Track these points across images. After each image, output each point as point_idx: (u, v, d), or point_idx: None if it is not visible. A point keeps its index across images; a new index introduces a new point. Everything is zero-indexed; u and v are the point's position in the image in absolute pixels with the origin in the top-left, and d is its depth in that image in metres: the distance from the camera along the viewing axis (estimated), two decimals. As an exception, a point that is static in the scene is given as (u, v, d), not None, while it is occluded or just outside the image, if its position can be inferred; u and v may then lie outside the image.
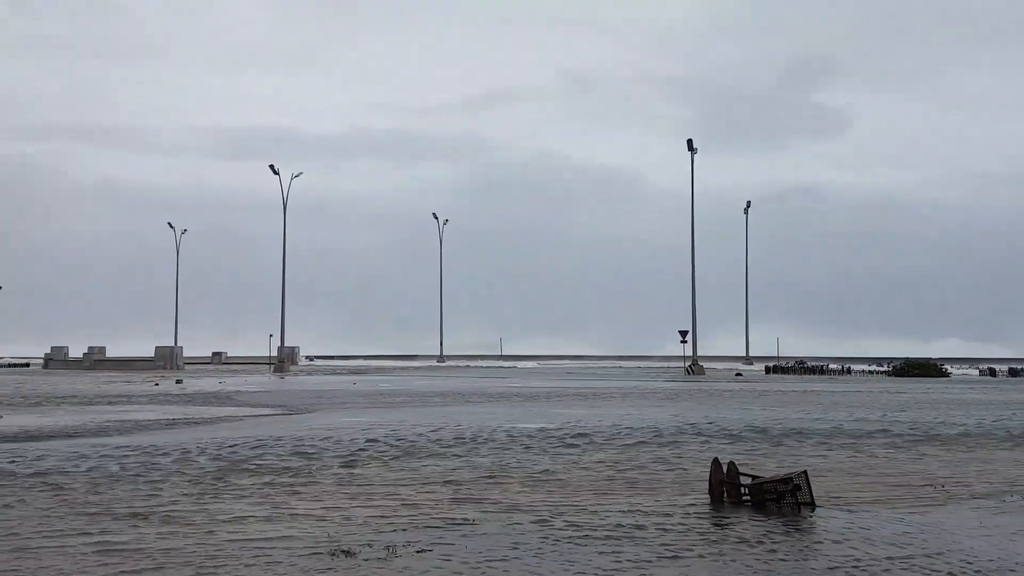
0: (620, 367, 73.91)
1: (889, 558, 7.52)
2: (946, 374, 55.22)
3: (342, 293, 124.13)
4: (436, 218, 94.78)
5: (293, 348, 79.33)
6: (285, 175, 73.06)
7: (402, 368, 71.20)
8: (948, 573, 7.09)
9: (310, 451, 14.27)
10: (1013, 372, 57.20)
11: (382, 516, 9.14)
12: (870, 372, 59.01)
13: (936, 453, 14.72)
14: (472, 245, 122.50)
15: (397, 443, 15.33)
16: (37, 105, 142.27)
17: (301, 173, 74.38)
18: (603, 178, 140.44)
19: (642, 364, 79.06)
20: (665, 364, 75.22)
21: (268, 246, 76.47)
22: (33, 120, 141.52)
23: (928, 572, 7.12)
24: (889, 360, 62.71)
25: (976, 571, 7.17)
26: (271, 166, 72.85)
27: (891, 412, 23.57)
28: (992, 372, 58.03)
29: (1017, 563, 7.47)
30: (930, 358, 61.50)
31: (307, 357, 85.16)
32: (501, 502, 9.91)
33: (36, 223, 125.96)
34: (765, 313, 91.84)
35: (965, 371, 58.95)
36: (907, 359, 60.39)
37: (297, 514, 9.25)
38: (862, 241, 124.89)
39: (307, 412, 23.57)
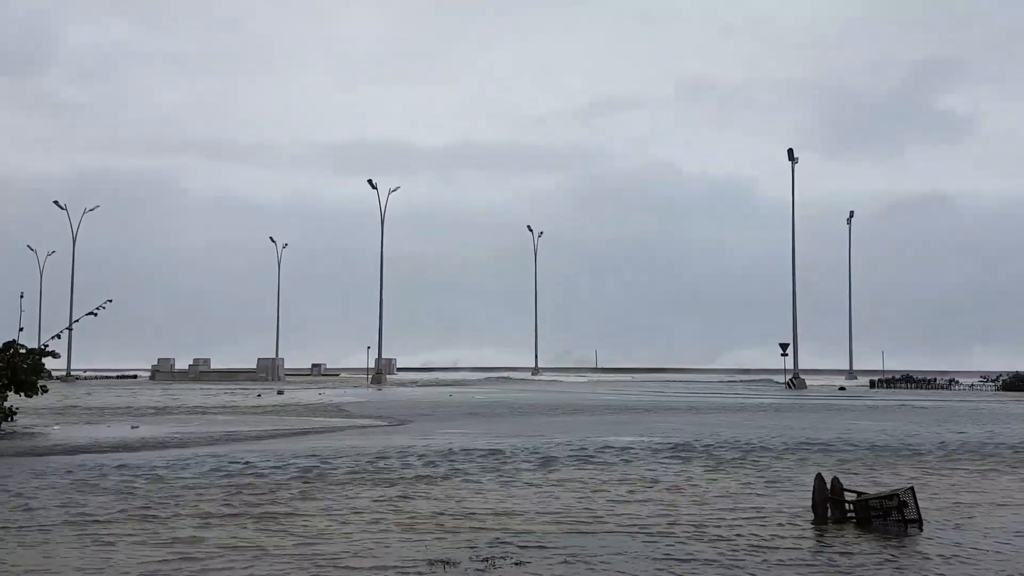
0: (720, 380, 72.63)
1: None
2: None
3: (441, 305, 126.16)
4: (531, 230, 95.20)
5: (390, 360, 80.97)
6: (383, 189, 74.72)
7: (497, 380, 71.69)
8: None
9: (412, 462, 14.57)
10: None
11: (481, 527, 9.28)
12: (972, 387, 56.59)
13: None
14: (576, 256, 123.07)
15: (493, 454, 15.50)
16: (164, 120, 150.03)
17: (398, 188, 76.02)
18: (713, 188, 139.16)
19: (742, 377, 77.48)
20: (766, 377, 73.48)
21: (369, 258, 78.26)
22: (160, 135, 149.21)
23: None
24: (999, 374, 59.99)
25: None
26: (369, 180, 74.72)
27: (996, 427, 22.55)
28: None
29: None
30: None
31: (398, 368, 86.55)
32: (591, 516, 9.93)
33: (153, 237, 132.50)
34: (872, 325, 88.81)
35: None
36: (1016, 373, 57.80)
37: (397, 522, 9.48)
38: (984, 251, 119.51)
39: (407, 423, 24.04)
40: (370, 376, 68.92)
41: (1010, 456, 15.97)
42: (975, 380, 60.86)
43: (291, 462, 14.33)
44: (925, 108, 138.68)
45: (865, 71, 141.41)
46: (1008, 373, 59.32)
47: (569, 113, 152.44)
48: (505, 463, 14.50)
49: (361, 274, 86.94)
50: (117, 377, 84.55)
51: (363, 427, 22.94)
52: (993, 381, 57.91)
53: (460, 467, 13.92)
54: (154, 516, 9.74)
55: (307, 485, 11.99)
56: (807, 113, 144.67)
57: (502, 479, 12.67)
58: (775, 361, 63.39)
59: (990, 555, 8.11)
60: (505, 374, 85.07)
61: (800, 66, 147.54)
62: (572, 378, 79.37)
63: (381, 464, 14.20)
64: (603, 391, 49.05)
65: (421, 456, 15.21)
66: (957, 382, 59.39)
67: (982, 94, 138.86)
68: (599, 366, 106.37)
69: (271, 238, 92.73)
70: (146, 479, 12.49)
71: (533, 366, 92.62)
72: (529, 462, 14.55)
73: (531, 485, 12.10)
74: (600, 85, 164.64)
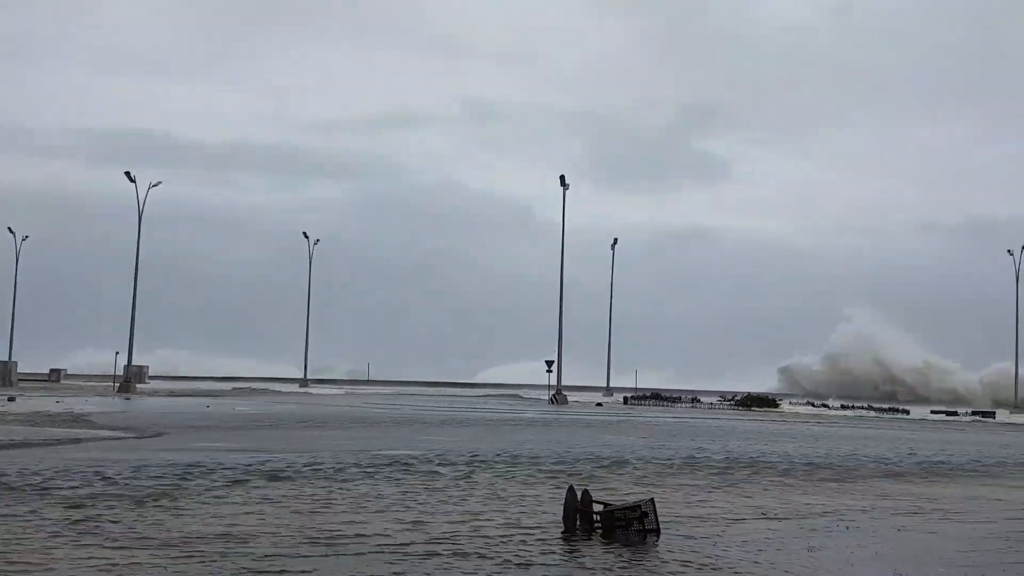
0: (487, 395, 74.16)
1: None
2: (777, 406, 60.80)
3: (205, 310, 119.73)
4: (306, 237, 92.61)
5: (141, 368, 75.39)
6: (143, 183, 69.66)
7: (262, 391, 68.95)
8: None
9: (143, 479, 13.55)
10: (844, 406, 61.64)
11: (220, 551, 8.75)
12: (712, 405, 62.36)
13: (752, 480, 15.45)
14: (355, 267, 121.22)
15: (241, 469, 14.77)
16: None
17: (160, 183, 71.09)
18: (495, 207, 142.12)
19: (508, 392, 79.51)
20: (531, 393, 75.87)
21: (124, 258, 72.38)
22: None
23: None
24: (735, 395, 67.06)
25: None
26: (127, 173, 69.29)
27: (731, 442, 24.72)
28: (826, 405, 62.87)
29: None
30: (768, 393, 66.49)
31: (150, 377, 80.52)
32: (339, 530, 9.69)
33: None
34: (630, 346, 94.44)
35: (796, 407, 62.66)
36: (748, 394, 65.31)
37: (125, 546, 8.74)
38: (732, 283, 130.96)
39: (158, 436, 22.40)
40: (117, 384, 63.85)
41: (735, 471, 17.43)
42: (715, 399, 66.75)
43: None
44: (688, 148, 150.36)
45: (638, 109, 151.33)
46: (742, 393, 66.26)
47: (357, 123, 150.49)
48: (252, 478, 13.83)
49: (115, 274, 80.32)
50: None
51: (105, 439, 21.11)
52: (729, 400, 63.99)
53: (202, 483, 13.07)
54: None
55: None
56: (583, 143, 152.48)
57: (245, 496, 12.04)
58: (542, 377, 65.68)
59: (721, 560, 8.73)
60: (274, 385, 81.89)
61: (580, 98, 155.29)
62: (337, 390, 77.73)
63: (104, 480, 13.08)
64: (368, 404, 48.49)
65: (157, 468, 14.19)
66: (699, 400, 64.88)
67: (738, 139, 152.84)
68: (371, 378, 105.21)
69: (9, 228, 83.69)
70: None
71: (302, 377, 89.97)
72: (284, 475, 14.00)
73: (277, 500, 11.61)
74: (390, 99, 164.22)
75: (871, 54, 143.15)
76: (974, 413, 58.79)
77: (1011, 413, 64.31)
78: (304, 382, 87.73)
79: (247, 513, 10.56)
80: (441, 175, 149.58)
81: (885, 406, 61.79)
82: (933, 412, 58.95)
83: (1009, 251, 73.15)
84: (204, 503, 11.21)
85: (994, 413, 59.60)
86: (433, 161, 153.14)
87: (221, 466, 14.97)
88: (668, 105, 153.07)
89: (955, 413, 58.37)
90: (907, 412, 58.85)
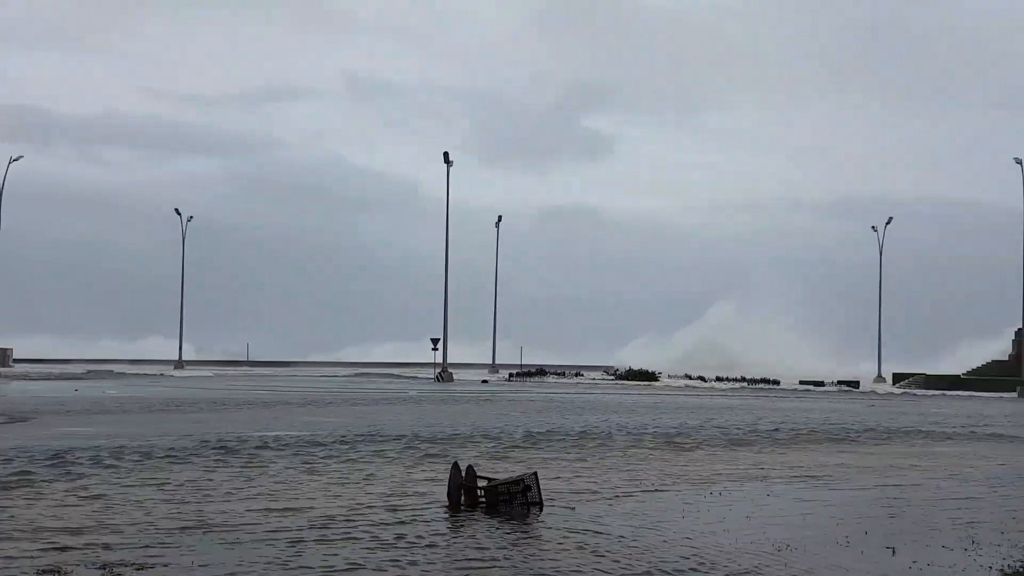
0: (371, 373, 73.55)
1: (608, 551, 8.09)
2: (656, 380, 63.39)
3: (75, 291, 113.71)
4: (179, 214, 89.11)
5: (5, 350, 71.39)
6: (2, 158, 65.53)
7: (136, 374, 66.26)
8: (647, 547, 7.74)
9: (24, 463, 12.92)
10: (719, 378, 64.43)
11: (100, 528, 8.47)
12: (594, 380, 64.25)
13: (621, 451, 16.04)
14: (231, 247, 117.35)
15: (106, 455, 14.26)
16: None
17: (21, 156, 67.06)
18: (379, 185, 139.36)
19: (394, 370, 79.04)
20: (417, 371, 75.74)
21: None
22: None
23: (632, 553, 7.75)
24: (617, 369, 69.33)
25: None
26: (-14, 147, 65.12)
27: (616, 416, 25.44)
28: (702, 378, 65.60)
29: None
30: (645, 369, 68.92)
31: (15, 360, 76.03)
32: (210, 517, 9.52)
33: None
34: (516, 323, 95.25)
35: (672, 380, 64.87)
36: (629, 368, 67.76)
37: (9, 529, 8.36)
38: (615, 261, 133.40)
39: (21, 421, 21.27)
40: (-21, 368, 60.32)
41: (609, 443, 17.99)
42: (598, 374, 68.59)
43: None
44: (574, 126, 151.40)
45: (526, 86, 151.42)
46: (624, 368, 68.42)
47: (236, 97, 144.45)
48: (118, 463, 13.37)
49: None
50: None
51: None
52: (611, 375, 65.97)
53: (69, 470, 12.54)
54: None
55: None
56: (470, 120, 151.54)
57: (113, 481, 11.66)
58: (429, 355, 65.62)
59: (604, 528, 9.04)
60: (147, 368, 78.65)
61: (467, 75, 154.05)
62: (208, 372, 75.20)
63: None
64: (238, 387, 47.35)
65: (22, 455, 13.55)
66: (581, 374, 66.69)
67: (623, 118, 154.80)
68: (252, 359, 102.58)
69: None
70: None
71: (177, 359, 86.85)
72: (147, 462, 13.60)
73: (146, 486, 11.28)
74: (270, 73, 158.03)
75: (754, 36, 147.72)
76: (840, 383, 62.32)
77: (874, 382, 68.52)
78: (179, 364, 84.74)
79: (117, 501, 10.23)
80: (324, 152, 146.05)
81: (758, 377, 64.70)
82: (801, 383, 62.13)
83: (873, 227, 77.03)
84: (71, 491, 10.78)
85: (858, 383, 63.33)
86: (316, 137, 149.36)
87: (88, 451, 14.40)
88: (555, 83, 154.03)
89: (821, 383, 61.69)
90: (777, 383, 61.86)
